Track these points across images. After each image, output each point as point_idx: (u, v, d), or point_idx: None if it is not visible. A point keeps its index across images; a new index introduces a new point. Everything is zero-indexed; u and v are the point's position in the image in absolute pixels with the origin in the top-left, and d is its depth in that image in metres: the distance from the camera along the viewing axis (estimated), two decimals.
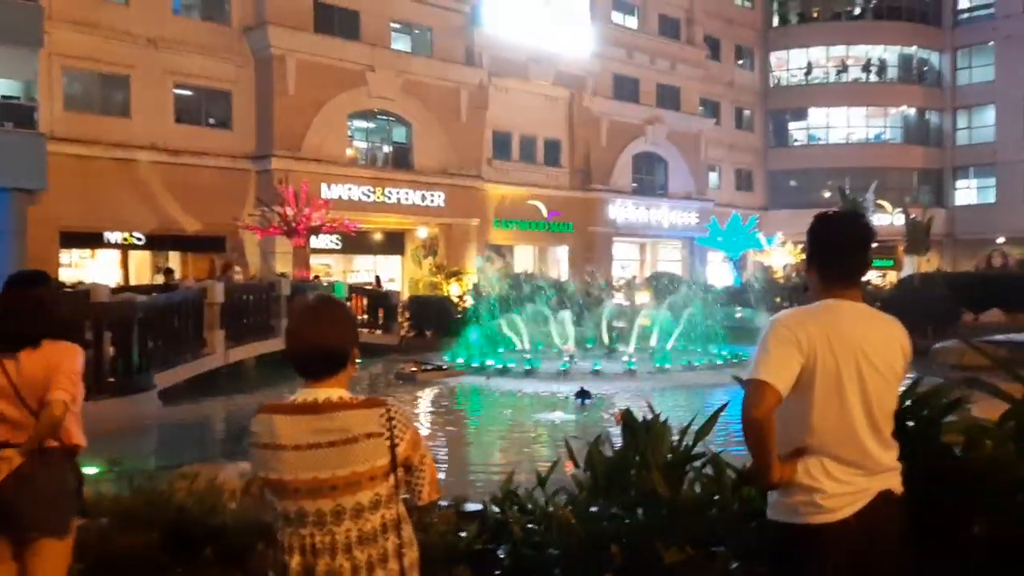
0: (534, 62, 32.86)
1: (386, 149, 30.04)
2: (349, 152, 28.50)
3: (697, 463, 4.12)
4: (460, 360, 17.65)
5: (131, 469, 4.89)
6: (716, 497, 3.98)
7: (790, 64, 45.96)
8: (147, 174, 24.15)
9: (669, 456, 4.03)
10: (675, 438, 4.16)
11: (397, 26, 29.79)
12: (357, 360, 2.40)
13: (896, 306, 24.11)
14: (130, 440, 9.17)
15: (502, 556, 4.19)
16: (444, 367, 17.05)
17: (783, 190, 44.35)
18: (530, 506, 4.52)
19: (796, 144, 46.21)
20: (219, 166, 25.55)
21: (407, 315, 23.27)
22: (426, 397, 14.27)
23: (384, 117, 29.58)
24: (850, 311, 2.66)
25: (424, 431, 11.35)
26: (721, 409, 4.17)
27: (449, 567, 4.19)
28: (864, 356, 2.58)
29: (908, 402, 3.83)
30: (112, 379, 10.66)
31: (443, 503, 4.79)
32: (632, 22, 38.49)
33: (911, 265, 36.93)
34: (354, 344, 2.38)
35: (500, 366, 16.58)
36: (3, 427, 3.22)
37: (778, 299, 31.84)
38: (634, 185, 38.12)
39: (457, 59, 30.84)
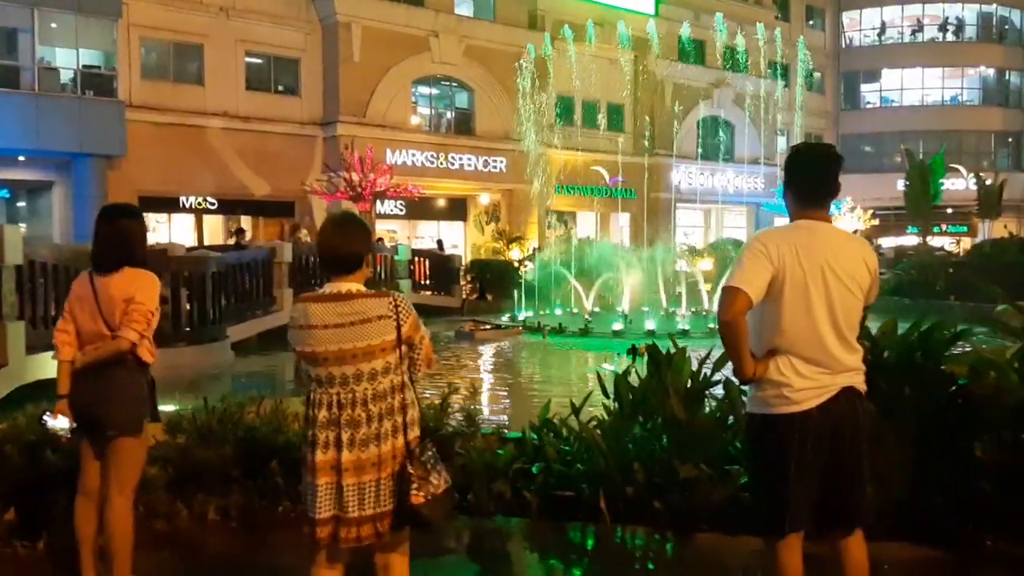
0: (597, 25, 32.73)
1: (449, 115, 30.40)
2: (413, 118, 28.96)
3: (716, 390, 4.44)
4: (518, 320, 18.07)
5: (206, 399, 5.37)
6: (731, 421, 4.30)
7: (863, 24, 44.68)
8: (219, 140, 25.01)
9: (688, 384, 4.35)
10: (695, 368, 4.48)
11: None
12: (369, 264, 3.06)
13: (967, 272, 23.74)
14: (204, 383, 9.80)
15: (536, 473, 4.59)
16: (502, 326, 17.50)
17: (855, 154, 43.26)
18: (564, 432, 4.91)
19: (869, 107, 45.06)
20: (288, 132, 26.27)
21: (469, 279, 23.75)
22: (483, 352, 14.80)
23: (447, 83, 29.93)
24: (820, 230, 3.00)
25: (480, 379, 11.86)
26: None
27: (489, 482, 4.61)
28: (830, 269, 2.93)
29: (915, 336, 4.09)
30: (188, 328, 11.37)
31: (487, 430, 5.21)
32: None
33: (986, 231, 35.95)
34: (367, 251, 3.02)
35: (557, 325, 16.95)
36: (81, 336, 3.72)
37: None
38: (699, 150, 37.78)
39: (520, 23, 30.94)
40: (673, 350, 4.68)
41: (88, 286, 3.74)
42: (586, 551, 4.31)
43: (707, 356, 4.53)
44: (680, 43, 36.10)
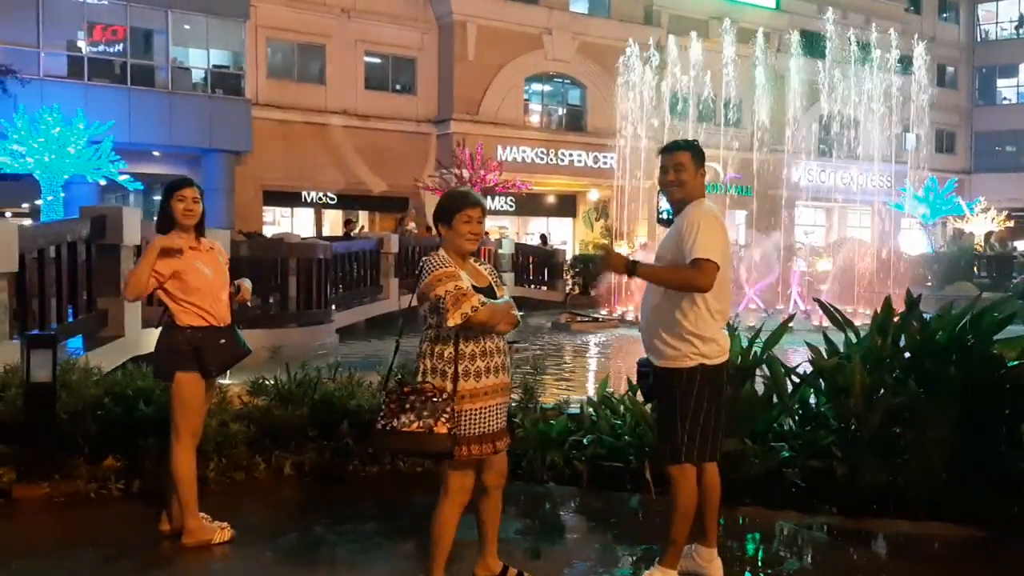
0: (715, 19, 32.23)
1: (560, 111, 30.60)
2: (525, 115, 29.29)
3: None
4: (616, 314, 18.18)
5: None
6: (775, 400, 4.34)
7: (999, 16, 42.28)
8: (339, 138, 26.05)
9: (738, 361, 4.41)
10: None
11: None
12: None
13: None
14: (305, 360, 10.37)
15: (586, 444, 4.76)
16: (600, 319, 17.60)
17: (989, 152, 41.10)
18: (621, 408, 5.05)
19: (1005, 103, 42.57)
20: (403, 130, 27.11)
21: (572, 273, 23.91)
22: (575, 341, 15.16)
23: (560, 79, 30.13)
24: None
25: (564, 364, 12.28)
26: (788, 320, 4.48)
27: (543, 452, 4.81)
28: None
29: (966, 319, 4.04)
30: (296, 310, 12.02)
31: (548, 405, 5.40)
32: None
33: None
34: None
35: None
36: None
37: (976, 268, 29.86)
38: (821, 147, 36.66)
39: (635, 19, 30.85)
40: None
41: None
42: (629, 516, 4.44)
43: (756, 335, 4.58)
44: (802, 37, 35.09)
